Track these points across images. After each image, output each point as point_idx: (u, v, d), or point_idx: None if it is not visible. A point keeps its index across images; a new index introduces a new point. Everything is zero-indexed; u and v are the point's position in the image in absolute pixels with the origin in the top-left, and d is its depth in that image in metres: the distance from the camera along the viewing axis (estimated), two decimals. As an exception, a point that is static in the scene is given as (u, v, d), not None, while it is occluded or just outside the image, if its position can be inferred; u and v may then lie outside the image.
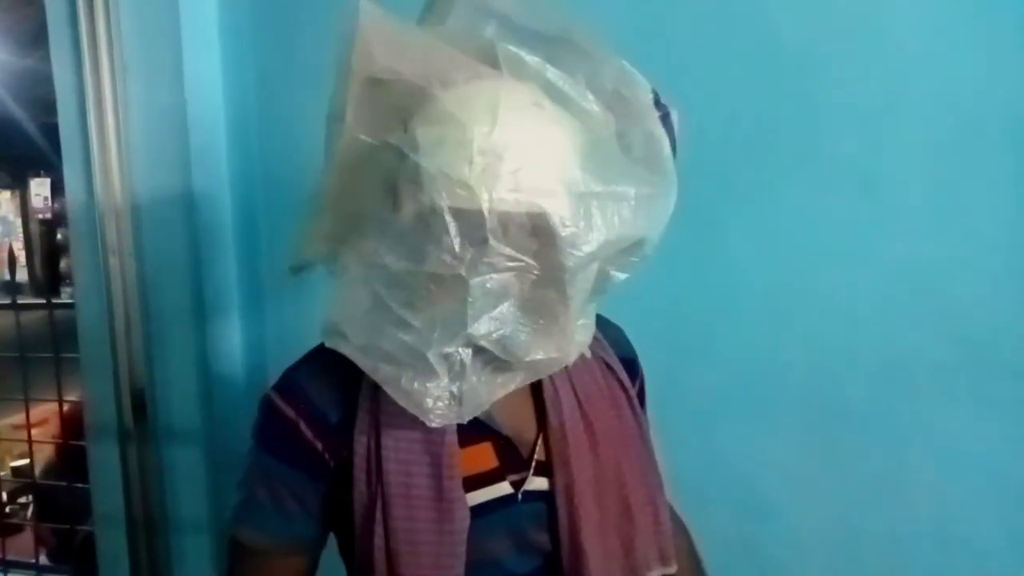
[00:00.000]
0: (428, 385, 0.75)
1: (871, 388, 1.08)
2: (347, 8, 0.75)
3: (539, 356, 0.76)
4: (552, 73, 0.76)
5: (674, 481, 0.91)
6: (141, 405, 1.53)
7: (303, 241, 0.85)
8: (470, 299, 0.72)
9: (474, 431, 0.81)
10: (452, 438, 0.80)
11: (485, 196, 0.70)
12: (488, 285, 0.72)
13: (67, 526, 1.81)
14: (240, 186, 1.57)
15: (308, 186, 1.49)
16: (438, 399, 0.75)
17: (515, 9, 0.80)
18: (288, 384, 0.85)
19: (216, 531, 1.59)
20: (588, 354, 0.83)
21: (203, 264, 1.53)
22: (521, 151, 0.71)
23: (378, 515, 0.79)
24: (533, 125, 0.73)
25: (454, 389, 0.75)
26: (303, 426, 0.82)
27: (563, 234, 0.72)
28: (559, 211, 0.72)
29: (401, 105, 0.74)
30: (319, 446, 0.82)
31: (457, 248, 0.71)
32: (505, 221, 0.71)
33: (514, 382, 0.78)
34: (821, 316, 1.08)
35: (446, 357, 0.74)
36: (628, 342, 0.98)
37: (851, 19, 1.06)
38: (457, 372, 0.75)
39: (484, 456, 0.83)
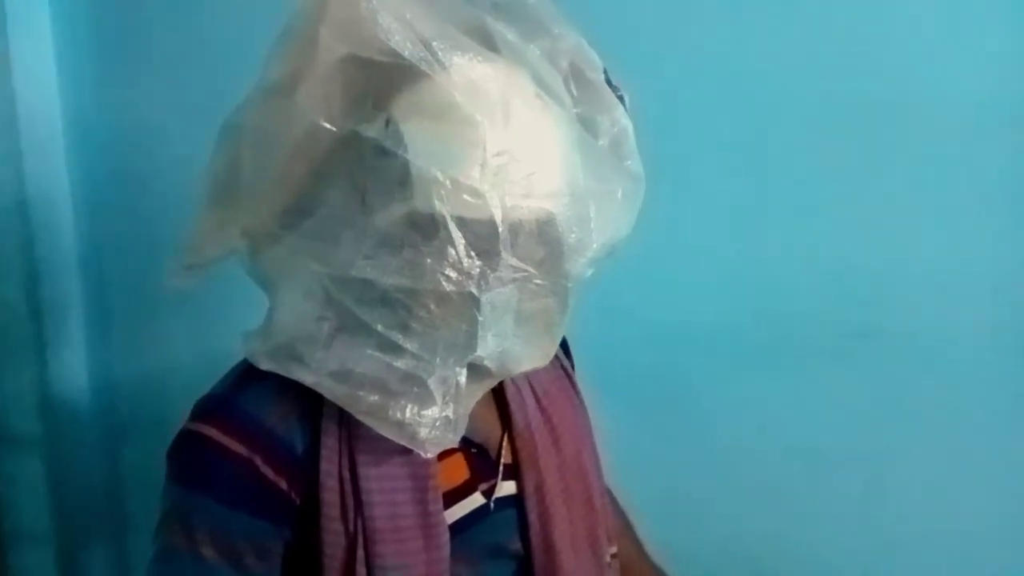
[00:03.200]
0: (424, 413, 0.66)
1: (705, 367, 1.18)
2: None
3: (525, 367, 0.71)
4: (532, 54, 0.67)
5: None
6: (-27, 415, 1.44)
7: (207, 231, 0.71)
8: (481, 318, 0.64)
9: None
10: (433, 456, 0.70)
11: (497, 203, 0.61)
12: (495, 300, 0.64)
13: None
14: (81, 182, 1.49)
15: (160, 179, 1.47)
16: (433, 427, 0.66)
17: None
18: (231, 413, 0.70)
19: (58, 543, 1.52)
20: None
21: (41, 265, 1.45)
22: (534, 151, 0.63)
23: (360, 554, 0.69)
24: (540, 120, 0.65)
25: (449, 413, 0.66)
26: (260, 463, 0.68)
27: (570, 240, 0.66)
28: (566, 215, 0.66)
29: (381, 90, 0.62)
30: (283, 484, 0.69)
31: (465, 262, 0.62)
32: (516, 229, 0.63)
33: (484, 388, 0.72)
34: (661, 302, 1.16)
35: (443, 381, 0.66)
36: None
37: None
38: (453, 395, 0.67)
39: (458, 469, 0.76)
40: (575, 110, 0.70)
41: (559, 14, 0.70)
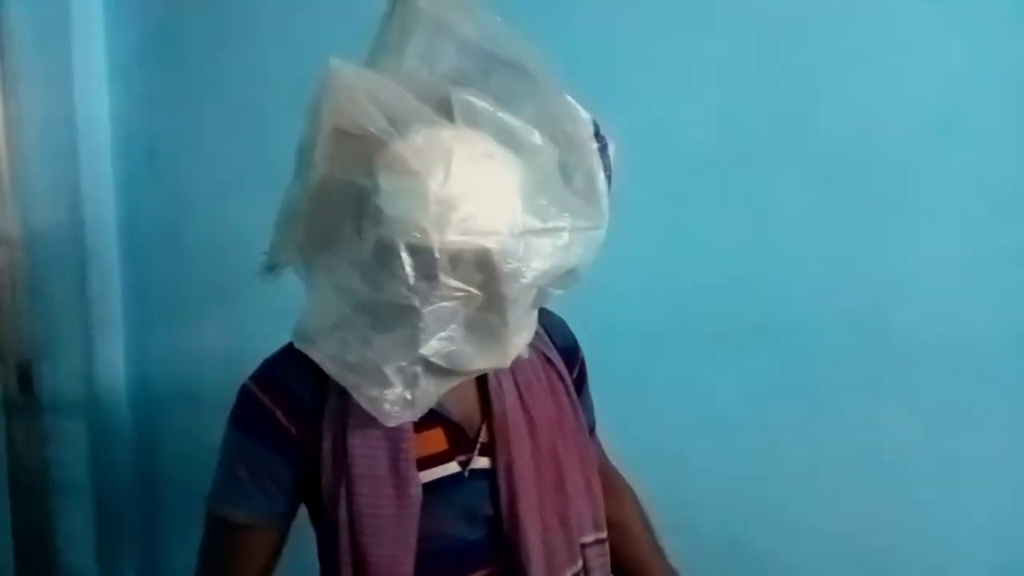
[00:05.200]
0: (385, 392, 0.83)
1: (637, 353, 1.40)
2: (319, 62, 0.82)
3: (480, 366, 0.86)
4: (502, 114, 0.82)
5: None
6: (27, 378, 1.68)
7: (278, 244, 0.91)
8: (422, 325, 0.80)
9: (427, 418, 0.88)
10: (408, 425, 0.88)
11: (437, 238, 0.77)
12: (438, 312, 0.80)
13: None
14: (124, 185, 1.73)
15: (193, 187, 1.68)
16: (394, 404, 0.83)
17: (475, 33, 0.85)
18: (267, 376, 0.92)
19: (95, 493, 1.77)
20: (526, 355, 0.90)
21: (88, 254, 1.69)
22: (471, 199, 0.78)
23: (342, 493, 0.88)
24: (482, 175, 0.80)
25: (407, 395, 0.83)
26: (280, 414, 0.89)
27: (505, 269, 0.80)
28: (502, 249, 0.79)
29: (366, 153, 0.79)
30: (294, 431, 0.89)
31: (412, 282, 0.78)
32: (455, 258, 0.78)
33: (459, 380, 0.87)
34: (608, 304, 1.33)
35: (401, 370, 0.83)
36: (569, 332, 1.08)
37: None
38: (411, 381, 0.83)
39: (436, 440, 0.92)
40: (558, 158, 0.85)
41: (551, 74, 0.87)
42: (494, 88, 0.84)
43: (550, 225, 0.83)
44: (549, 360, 1.01)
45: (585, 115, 0.87)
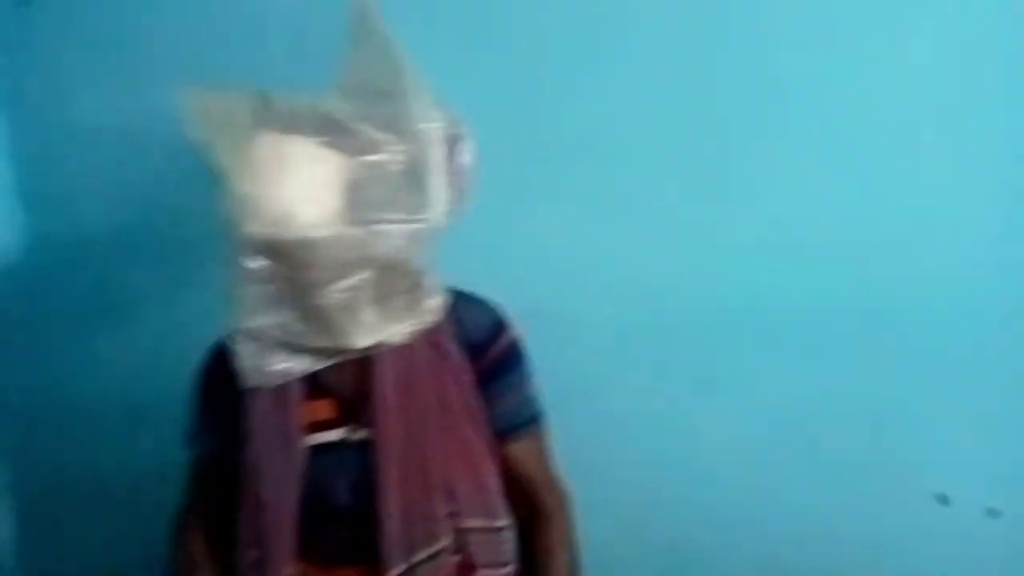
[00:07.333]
0: (241, 359, 0.99)
1: None
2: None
3: (320, 344, 0.99)
4: (335, 111, 0.95)
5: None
6: None
7: None
8: (243, 302, 0.96)
9: (319, 390, 1.04)
10: (296, 393, 1.03)
11: (243, 228, 0.92)
12: (260, 294, 0.96)
13: None
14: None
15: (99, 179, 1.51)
16: (246, 369, 0.99)
17: (370, 71, 0.97)
18: (215, 349, 1.10)
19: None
20: (396, 340, 1.01)
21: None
22: (274, 195, 0.92)
23: (247, 441, 1.03)
24: (284, 176, 0.93)
25: (257, 363, 0.99)
26: (226, 371, 1.03)
27: (305, 256, 0.93)
28: (307, 237, 0.92)
29: (219, 161, 0.94)
30: (234, 387, 1.03)
31: (231, 266, 0.94)
32: (269, 246, 0.93)
33: (323, 358, 1.01)
34: None
35: (247, 340, 0.99)
36: (490, 325, 1.09)
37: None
38: (257, 352, 0.99)
39: (325, 409, 1.04)
40: (407, 156, 0.95)
41: (421, 84, 0.96)
42: (370, 95, 0.95)
43: (369, 216, 0.94)
44: (445, 351, 1.05)
45: (444, 117, 0.97)
